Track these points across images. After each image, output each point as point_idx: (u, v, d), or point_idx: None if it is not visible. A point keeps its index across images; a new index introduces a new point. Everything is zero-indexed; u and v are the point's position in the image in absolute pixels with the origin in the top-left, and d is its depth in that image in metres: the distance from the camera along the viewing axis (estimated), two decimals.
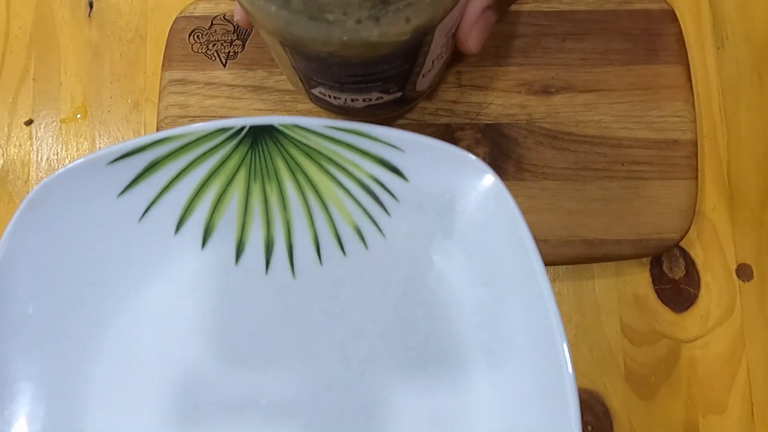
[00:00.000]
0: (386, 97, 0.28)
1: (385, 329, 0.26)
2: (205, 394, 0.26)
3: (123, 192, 0.26)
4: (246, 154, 0.27)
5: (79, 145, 0.43)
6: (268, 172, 0.27)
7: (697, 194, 0.40)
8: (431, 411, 0.25)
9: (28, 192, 0.42)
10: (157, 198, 0.27)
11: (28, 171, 0.43)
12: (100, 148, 0.43)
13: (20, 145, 0.43)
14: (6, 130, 0.43)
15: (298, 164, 0.27)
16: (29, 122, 0.43)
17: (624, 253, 0.40)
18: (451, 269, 0.27)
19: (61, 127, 0.43)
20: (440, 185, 0.26)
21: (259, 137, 0.26)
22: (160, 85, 0.41)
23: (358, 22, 0.21)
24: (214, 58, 0.41)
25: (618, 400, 0.40)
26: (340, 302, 0.27)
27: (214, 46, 0.41)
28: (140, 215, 0.27)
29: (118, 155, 0.26)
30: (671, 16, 0.42)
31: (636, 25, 0.42)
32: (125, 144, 0.26)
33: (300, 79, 0.28)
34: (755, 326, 0.41)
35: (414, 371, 0.26)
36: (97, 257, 0.26)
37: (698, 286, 0.42)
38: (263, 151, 0.27)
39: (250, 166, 0.27)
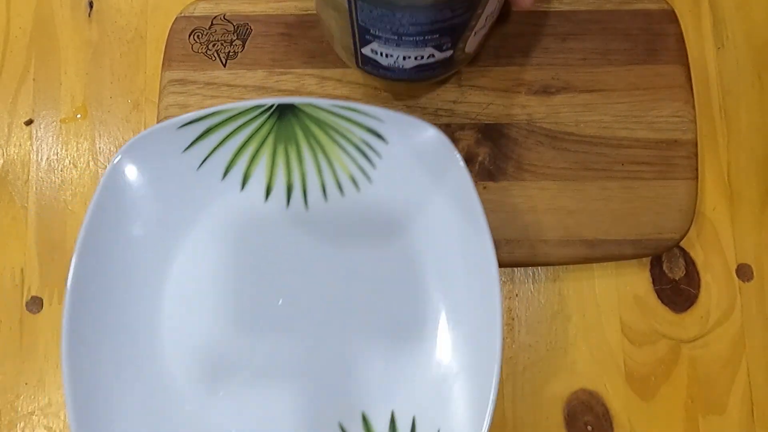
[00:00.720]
0: (437, 56, 0.33)
1: (369, 247, 0.37)
2: (245, 301, 0.37)
3: (187, 149, 0.36)
4: (274, 124, 0.36)
5: (79, 145, 0.43)
6: (289, 137, 0.37)
7: (697, 194, 0.40)
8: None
9: (28, 193, 0.42)
10: (210, 154, 0.36)
11: (28, 171, 0.43)
12: (100, 148, 0.43)
13: (20, 145, 0.43)
14: (6, 130, 0.43)
15: (311, 131, 0.37)
16: (29, 122, 0.43)
17: (624, 253, 0.40)
18: (407, 203, 0.37)
19: (61, 127, 0.43)
20: (408, 144, 0.36)
21: (284, 112, 0.36)
22: (160, 84, 0.41)
23: None
24: (214, 58, 0.41)
25: (618, 400, 0.40)
26: (338, 228, 0.37)
27: (214, 46, 0.41)
28: (198, 165, 0.37)
29: (185, 122, 0.35)
30: (671, 16, 0.42)
31: (636, 25, 0.42)
32: (189, 114, 0.35)
33: (354, 35, 0.32)
34: (755, 326, 0.41)
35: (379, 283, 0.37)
36: (166, 197, 0.36)
37: (698, 286, 0.42)
38: (287, 122, 0.36)
39: (277, 132, 0.37)
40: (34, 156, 0.43)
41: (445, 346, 0.36)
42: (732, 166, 0.43)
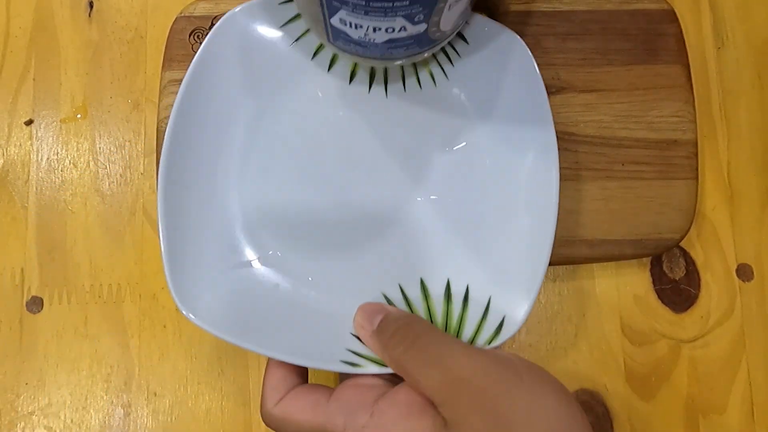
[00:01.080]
0: (409, 29, 0.33)
1: (440, 139, 0.39)
2: (322, 167, 0.39)
3: (284, 24, 0.39)
4: None
5: (80, 145, 0.43)
6: None
7: (697, 194, 0.40)
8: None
9: (28, 193, 0.42)
10: (304, 33, 0.39)
11: (28, 171, 0.43)
12: (100, 148, 0.43)
13: (20, 145, 0.43)
14: (6, 130, 0.43)
15: None
16: (29, 122, 0.43)
17: (624, 253, 0.40)
18: (480, 103, 0.39)
19: (61, 127, 0.43)
20: (487, 46, 0.38)
21: None
22: (160, 84, 0.41)
23: None
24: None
25: (618, 400, 0.40)
26: (413, 117, 0.39)
27: None
28: (291, 42, 0.39)
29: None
30: (671, 16, 0.42)
31: (636, 25, 0.42)
32: None
33: (322, 4, 0.32)
34: (755, 326, 0.41)
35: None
36: (262, 64, 0.38)
37: (698, 286, 0.42)
38: None
39: None
40: (34, 156, 0.43)
41: (499, 231, 0.37)
42: (732, 166, 0.43)
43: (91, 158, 0.43)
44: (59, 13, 0.45)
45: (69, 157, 0.43)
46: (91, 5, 0.45)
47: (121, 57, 0.44)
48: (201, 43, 0.39)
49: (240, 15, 0.38)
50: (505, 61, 0.38)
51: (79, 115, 0.43)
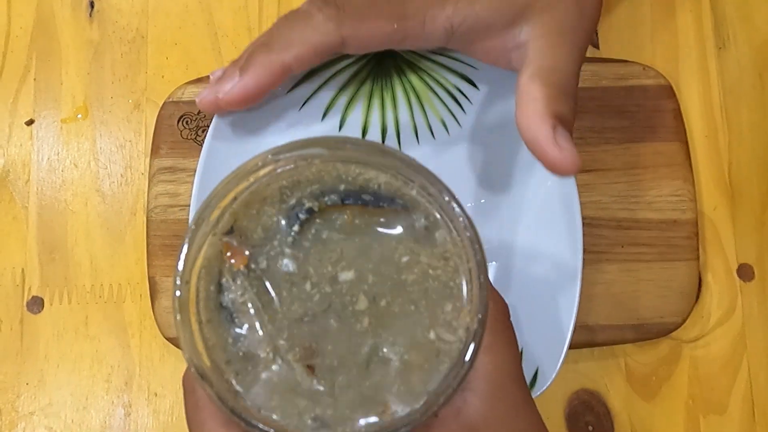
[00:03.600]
0: None
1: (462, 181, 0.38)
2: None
3: (290, 90, 0.37)
4: (372, 69, 0.38)
5: (80, 145, 0.43)
6: (385, 82, 0.38)
7: (699, 276, 0.40)
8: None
9: (29, 193, 0.42)
10: (312, 95, 0.38)
11: (29, 171, 0.43)
12: (101, 148, 0.43)
13: (21, 145, 0.43)
14: (7, 130, 0.43)
15: (407, 77, 0.38)
16: (30, 122, 0.43)
17: (626, 338, 0.39)
18: (496, 148, 0.39)
19: (62, 127, 0.43)
20: (498, 92, 0.38)
21: (382, 57, 0.38)
22: (149, 173, 0.40)
23: None
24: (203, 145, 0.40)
25: (619, 400, 0.40)
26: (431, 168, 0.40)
27: (203, 132, 0.40)
28: (300, 106, 0.38)
29: None
30: (668, 92, 0.41)
31: (633, 101, 0.41)
32: None
33: None
34: (756, 326, 0.41)
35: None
36: (270, 133, 0.37)
37: (699, 286, 0.42)
38: (384, 66, 0.38)
39: (374, 77, 0.38)
40: (35, 156, 0.43)
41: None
42: (733, 166, 0.43)
43: (91, 158, 0.43)
44: (60, 13, 0.45)
45: (70, 157, 0.43)
46: (91, 5, 0.45)
47: (121, 57, 0.44)
48: (190, 129, 0.39)
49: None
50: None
51: (79, 115, 0.43)
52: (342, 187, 0.27)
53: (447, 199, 0.25)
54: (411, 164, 0.26)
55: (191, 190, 0.38)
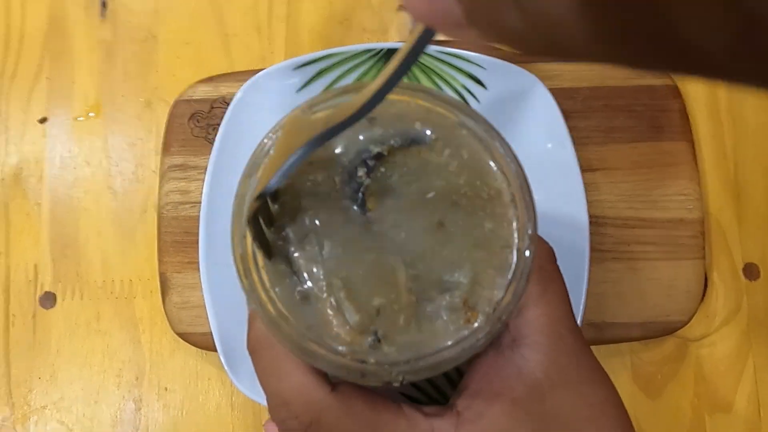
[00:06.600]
0: None
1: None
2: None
3: (300, 89, 0.38)
4: (381, 69, 0.37)
5: (92, 143, 0.44)
6: None
7: (704, 275, 0.40)
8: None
9: (41, 190, 0.43)
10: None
11: (42, 169, 0.43)
12: (112, 146, 0.44)
13: (34, 142, 0.44)
14: (20, 128, 0.44)
15: (415, 77, 0.39)
16: (43, 120, 0.44)
17: (632, 336, 0.39)
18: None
19: (74, 125, 0.44)
20: (505, 91, 0.38)
21: (392, 57, 0.39)
22: (160, 170, 0.41)
23: None
24: (214, 143, 0.40)
25: (625, 398, 0.40)
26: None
27: (214, 130, 0.40)
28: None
29: (300, 64, 0.38)
30: (674, 92, 0.41)
31: (639, 101, 0.41)
32: (302, 57, 0.38)
33: None
34: (762, 325, 0.41)
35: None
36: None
37: (705, 285, 0.42)
38: None
39: None
40: (48, 154, 0.44)
41: None
42: (739, 166, 0.43)
43: (103, 156, 0.44)
44: (73, 13, 0.45)
45: (82, 155, 0.44)
46: (104, 5, 0.45)
47: (133, 56, 0.45)
48: (200, 128, 0.39)
49: (258, 83, 0.38)
50: (525, 105, 0.38)
51: (92, 114, 0.44)
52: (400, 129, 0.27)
53: (494, 134, 0.27)
54: (451, 102, 0.27)
55: (202, 188, 0.39)
